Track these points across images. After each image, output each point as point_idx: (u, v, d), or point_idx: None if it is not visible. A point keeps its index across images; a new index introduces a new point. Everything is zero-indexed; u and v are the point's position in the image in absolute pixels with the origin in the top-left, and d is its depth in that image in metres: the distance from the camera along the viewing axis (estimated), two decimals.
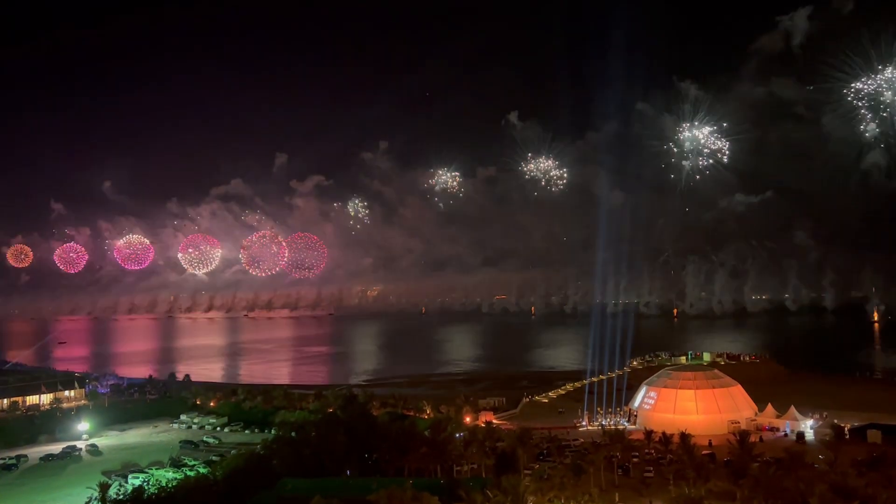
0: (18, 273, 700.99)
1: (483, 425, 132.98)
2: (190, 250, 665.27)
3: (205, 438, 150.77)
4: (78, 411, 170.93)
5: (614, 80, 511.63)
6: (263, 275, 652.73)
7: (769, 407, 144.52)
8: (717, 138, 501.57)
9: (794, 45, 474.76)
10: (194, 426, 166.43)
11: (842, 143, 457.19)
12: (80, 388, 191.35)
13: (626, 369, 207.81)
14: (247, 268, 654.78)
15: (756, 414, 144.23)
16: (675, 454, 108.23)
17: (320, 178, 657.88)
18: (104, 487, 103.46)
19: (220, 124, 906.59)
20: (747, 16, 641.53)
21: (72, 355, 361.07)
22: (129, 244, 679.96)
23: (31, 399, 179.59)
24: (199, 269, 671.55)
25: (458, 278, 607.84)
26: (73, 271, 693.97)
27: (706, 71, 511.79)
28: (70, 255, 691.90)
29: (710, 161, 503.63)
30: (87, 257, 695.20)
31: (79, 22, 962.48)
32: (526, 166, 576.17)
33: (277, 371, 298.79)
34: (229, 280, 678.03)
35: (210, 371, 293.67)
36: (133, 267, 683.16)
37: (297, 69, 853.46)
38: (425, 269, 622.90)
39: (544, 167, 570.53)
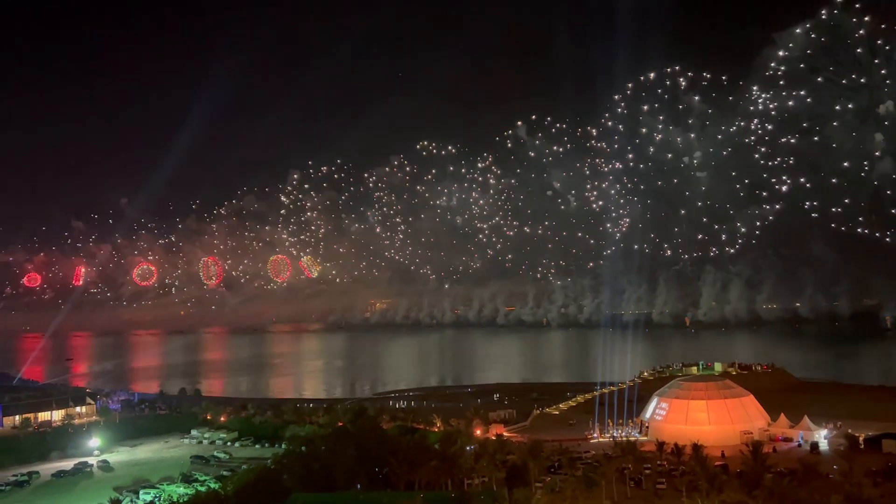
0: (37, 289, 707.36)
1: (494, 438, 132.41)
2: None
3: (215, 453, 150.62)
4: (89, 427, 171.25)
5: (620, 92, 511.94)
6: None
7: (782, 417, 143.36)
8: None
9: (794, 58, 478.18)
10: (205, 441, 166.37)
11: (848, 153, 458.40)
12: (92, 403, 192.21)
13: (637, 380, 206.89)
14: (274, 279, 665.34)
15: (769, 424, 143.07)
16: (687, 466, 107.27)
17: (333, 193, 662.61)
18: (115, 503, 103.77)
19: (233, 141, 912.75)
20: (750, 29, 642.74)
21: (83, 371, 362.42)
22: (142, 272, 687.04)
23: (43, 415, 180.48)
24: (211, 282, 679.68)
25: (473, 290, 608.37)
26: (147, 284, 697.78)
27: (708, 82, 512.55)
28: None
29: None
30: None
31: (91, 37, 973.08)
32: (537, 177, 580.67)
33: (287, 385, 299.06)
34: (248, 294, 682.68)
35: (220, 386, 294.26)
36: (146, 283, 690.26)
37: (308, 85, 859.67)
38: (439, 281, 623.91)
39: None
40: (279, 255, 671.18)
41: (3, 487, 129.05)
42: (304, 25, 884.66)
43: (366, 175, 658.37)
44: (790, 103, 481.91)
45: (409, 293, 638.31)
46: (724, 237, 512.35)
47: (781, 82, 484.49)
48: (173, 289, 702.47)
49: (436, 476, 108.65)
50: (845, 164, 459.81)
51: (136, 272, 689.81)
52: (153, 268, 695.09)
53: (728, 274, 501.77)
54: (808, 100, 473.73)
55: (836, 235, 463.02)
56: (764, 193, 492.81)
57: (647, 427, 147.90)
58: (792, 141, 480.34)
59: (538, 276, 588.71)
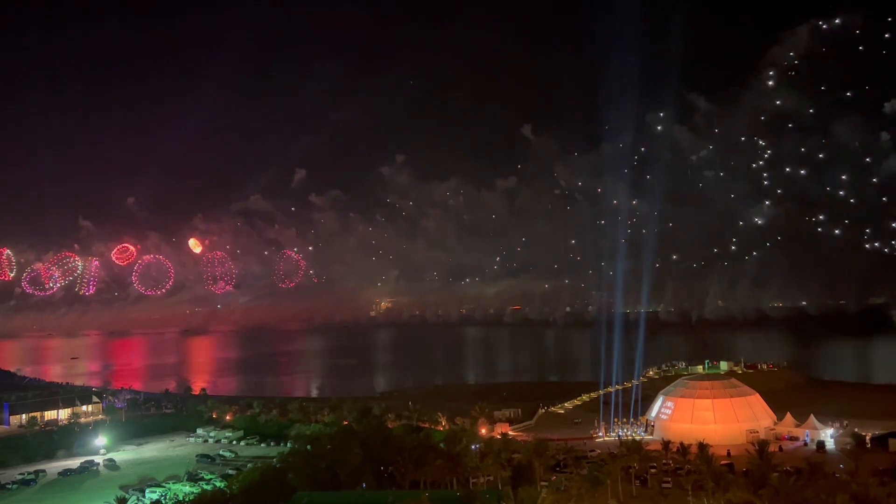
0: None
1: (499, 437, 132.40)
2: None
3: (221, 452, 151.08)
4: (95, 426, 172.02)
5: (626, 92, 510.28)
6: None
7: (788, 416, 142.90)
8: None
9: (800, 58, 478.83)
10: (210, 440, 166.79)
11: (854, 152, 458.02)
12: (98, 402, 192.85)
13: (643, 379, 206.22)
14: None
15: (775, 423, 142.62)
16: (693, 464, 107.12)
17: (339, 192, 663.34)
18: (122, 502, 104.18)
19: (239, 140, 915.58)
20: (755, 29, 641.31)
21: (89, 370, 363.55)
22: (148, 269, 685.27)
23: (50, 414, 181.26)
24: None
25: (480, 289, 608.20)
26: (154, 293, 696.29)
27: (714, 83, 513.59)
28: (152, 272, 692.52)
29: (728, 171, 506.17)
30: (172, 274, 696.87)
31: (100, 41, 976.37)
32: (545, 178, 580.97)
33: (293, 384, 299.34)
34: (256, 294, 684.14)
35: (226, 384, 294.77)
36: (152, 292, 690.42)
37: (314, 85, 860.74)
38: (446, 280, 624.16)
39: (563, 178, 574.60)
40: (286, 252, 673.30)
41: (10, 486, 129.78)
42: (311, 25, 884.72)
43: (372, 174, 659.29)
44: (796, 101, 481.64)
45: (416, 292, 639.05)
46: (731, 236, 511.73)
47: (789, 78, 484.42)
48: (183, 291, 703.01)
49: (441, 475, 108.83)
50: (852, 162, 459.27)
51: (136, 275, 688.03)
52: (169, 265, 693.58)
53: (735, 272, 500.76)
54: (814, 98, 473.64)
55: (842, 234, 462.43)
56: (771, 192, 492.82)
57: (653, 426, 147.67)
58: (800, 142, 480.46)
59: (544, 274, 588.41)
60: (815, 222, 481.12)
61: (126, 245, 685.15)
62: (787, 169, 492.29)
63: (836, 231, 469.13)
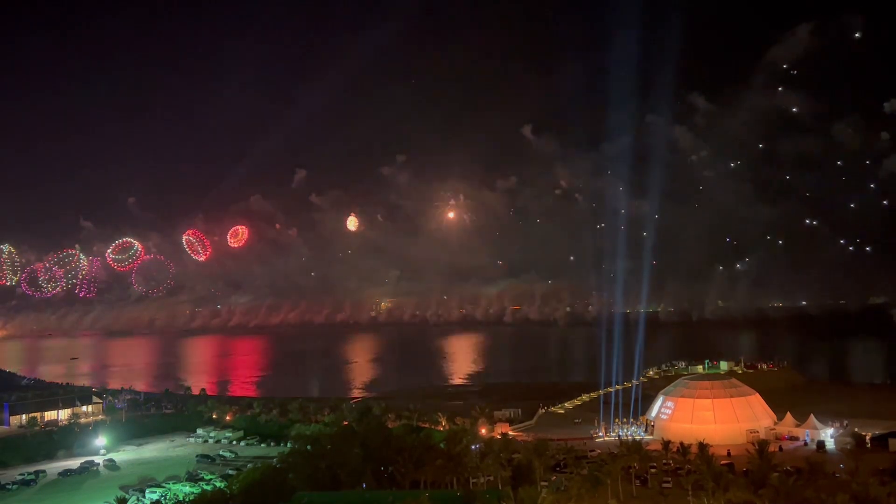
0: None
1: (499, 437, 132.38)
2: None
3: (221, 452, 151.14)
4: (95, 426, 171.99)
5: (626, 92, 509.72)
6: None
7: (788, 416, 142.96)
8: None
9: (800, 58, 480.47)
10: (210, 440, 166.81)
11: (854, 152, 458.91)
12: (98, 403, 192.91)
13: (643, 379, 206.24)
14: None
15: (775, 423, 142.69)
16: (693, 464, 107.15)
17: (340, 192, 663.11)
18: (122, 502, 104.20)
19: (239, 140, 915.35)
20: (755, 29, 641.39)
21: (89, 370, 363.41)
22: (148, 269, 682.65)
23: (50, 414, 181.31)
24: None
25: (480, 289, 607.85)
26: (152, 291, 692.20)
27: (714, 83, 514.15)
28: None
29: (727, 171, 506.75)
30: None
31: (101, 41, 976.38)
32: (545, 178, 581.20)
33: (293, 384, 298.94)
34: (256, 293, 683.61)
35: (226, 385, 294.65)
36: (154, 292, 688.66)
37: (313, 84, 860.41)
38: (446, 281, 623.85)
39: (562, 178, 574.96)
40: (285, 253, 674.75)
41: (10, 486, 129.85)
42: (311, 25, 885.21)
43: (372, 174, 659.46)
44: (796, 102, 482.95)
45: (416, 292, 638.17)
46: (731, 236, 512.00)
47: (789, 78, 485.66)
48: (184, 291, 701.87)
49: (441, 475, 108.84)
50: (852, 162, 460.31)
51: (136, 275, 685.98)
52: (170, 265, 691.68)
53: (735, 272, 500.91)
54: (814, 98, 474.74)
55: (842, 234, 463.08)
56: (770, 192, 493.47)
57: (653, 426, 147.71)
58: (800, 142, 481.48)
59: (544, 274, 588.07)
60: (815, 222, 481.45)
61: (129, 241, 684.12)
62: (787, 169, 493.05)
63: (836, 231, 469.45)
